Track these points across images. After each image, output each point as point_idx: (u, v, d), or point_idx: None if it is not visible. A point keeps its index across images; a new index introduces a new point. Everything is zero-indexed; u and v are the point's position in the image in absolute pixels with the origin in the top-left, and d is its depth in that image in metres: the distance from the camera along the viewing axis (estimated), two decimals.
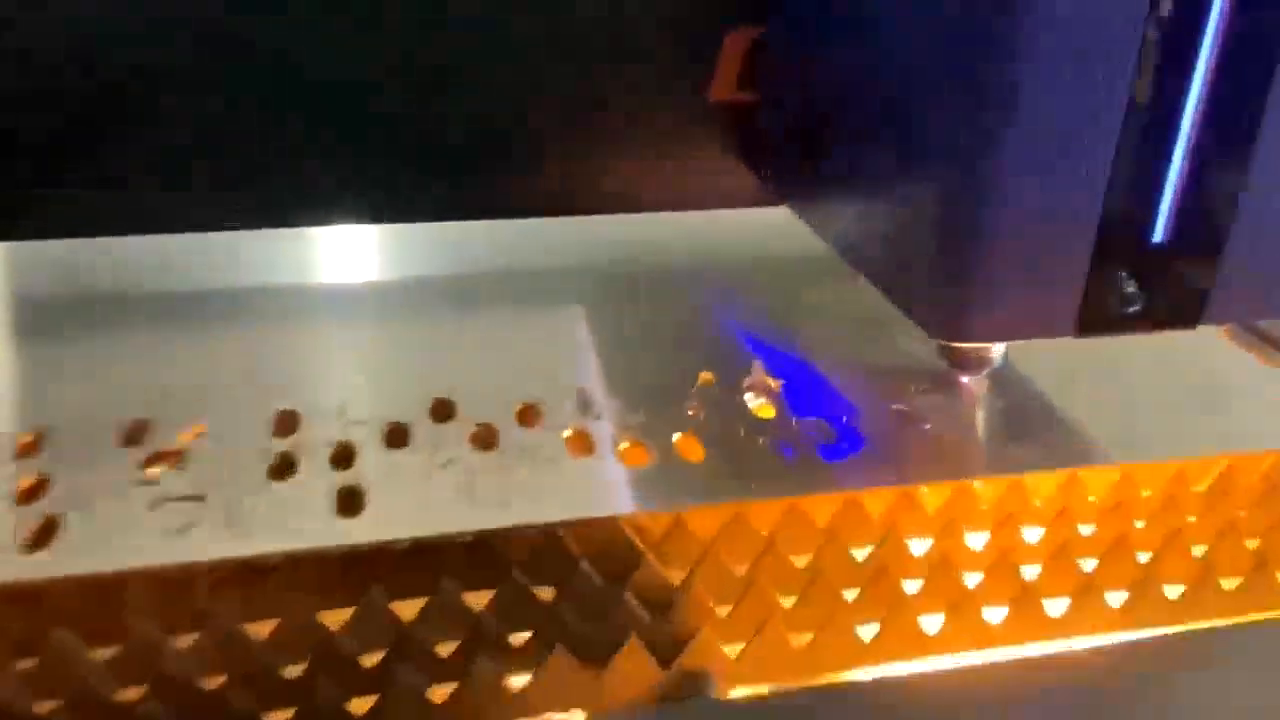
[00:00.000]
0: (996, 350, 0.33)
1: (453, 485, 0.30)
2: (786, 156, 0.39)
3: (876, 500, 0.31)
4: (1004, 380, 0.35)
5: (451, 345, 0.37)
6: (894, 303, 0.29)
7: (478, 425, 0.33)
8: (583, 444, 0.33)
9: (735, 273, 0.46)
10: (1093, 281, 0.26)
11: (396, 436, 0.32)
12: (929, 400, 0.34)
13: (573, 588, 0.29)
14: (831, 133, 0.33)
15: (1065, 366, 0.36)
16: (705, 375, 0.36)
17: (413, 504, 0.28)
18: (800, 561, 0.31)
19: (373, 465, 0.31)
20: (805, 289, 0.44)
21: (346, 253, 0.43)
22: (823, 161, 0.34)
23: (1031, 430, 0.33)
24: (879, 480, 0.30)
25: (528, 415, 0.34)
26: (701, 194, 0.43)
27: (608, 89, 0.39)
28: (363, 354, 0.36)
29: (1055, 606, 0.31)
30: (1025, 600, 0.32)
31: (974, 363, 0.34)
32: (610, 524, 0.29)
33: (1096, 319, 0.26)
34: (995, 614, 0.32)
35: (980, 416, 0.33)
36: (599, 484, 0.30)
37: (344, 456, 0.31)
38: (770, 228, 0.43)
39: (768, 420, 0.32)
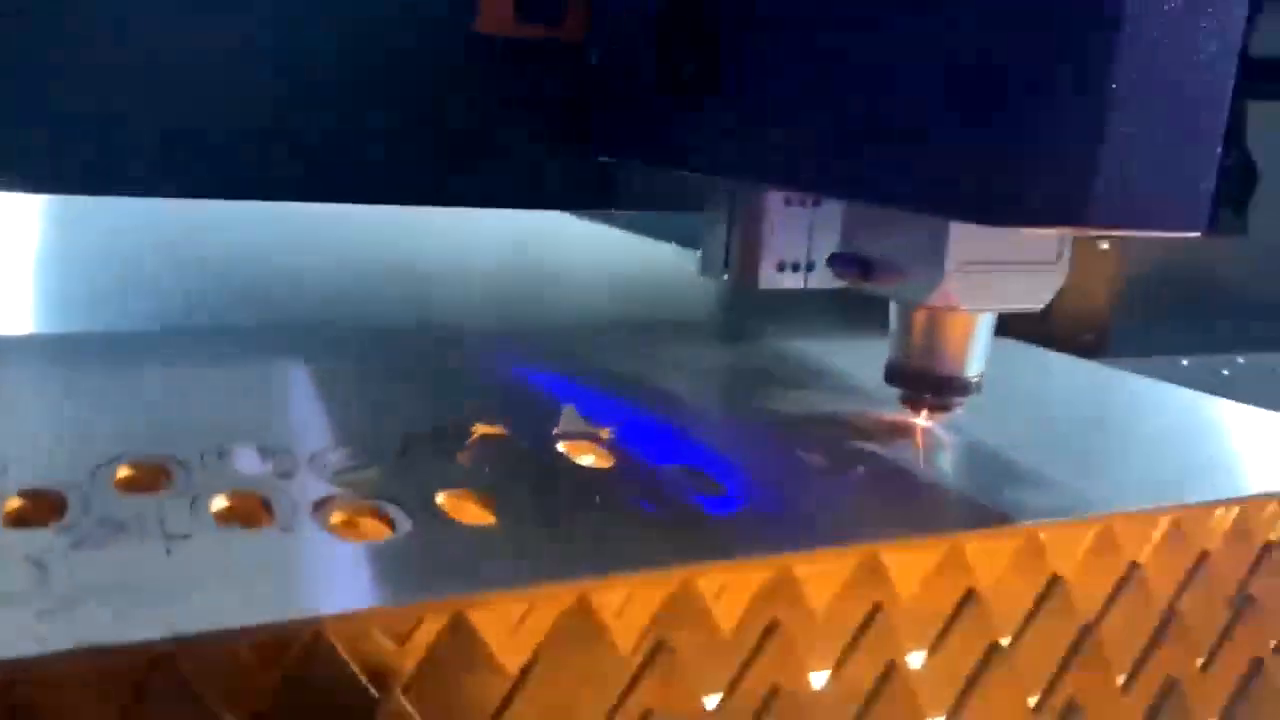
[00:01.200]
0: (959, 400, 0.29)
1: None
2: (650, 97, 0.30)
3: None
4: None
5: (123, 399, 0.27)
6: (917, 205, 0.23)
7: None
8: (250, 512, 0.20)
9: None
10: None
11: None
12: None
13: None
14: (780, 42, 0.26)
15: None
16: (483, 427, 0.26)
17: None
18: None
19: None
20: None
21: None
22: (754, 80, 0.27)
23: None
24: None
25: (145, 478, 0.21)
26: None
27: None
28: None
29: None
30: None
31: (939, 406, 0.28)
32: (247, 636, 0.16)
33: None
34: None
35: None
36: (265, 570, 0.18)
37: None
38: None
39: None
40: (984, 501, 0.25)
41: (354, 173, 0.32)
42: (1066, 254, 0.27)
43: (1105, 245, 0.43)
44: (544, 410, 0.28)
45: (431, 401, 0.28)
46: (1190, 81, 0.20)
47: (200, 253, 0.46)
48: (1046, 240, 0.27)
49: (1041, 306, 0.27)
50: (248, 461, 0.22)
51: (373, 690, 0.17)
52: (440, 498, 0.21)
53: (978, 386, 0.28)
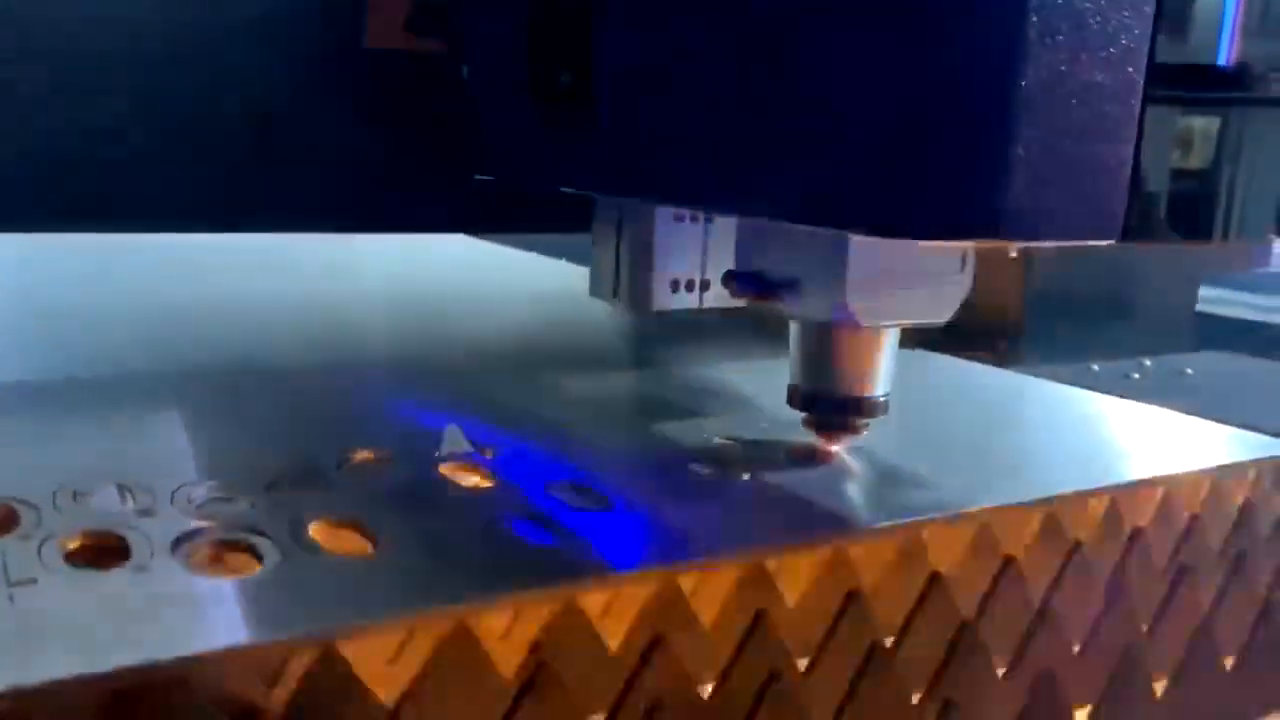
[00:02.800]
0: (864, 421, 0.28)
1: None
2: (524, 111, 0.29)
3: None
4: None
5: None
6: (820, 220, 0.22)
7: None
8: (105, 553, 0.19)
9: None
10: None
11: None
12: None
13: None
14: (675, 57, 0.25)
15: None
16: (362, 453, 0.26)
17: None
18: None
19: None
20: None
21: None
22: (646, 95, 0.26)
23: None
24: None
25: None
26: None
27: None
28: None
29: None
30: None
31: (844, 428, 0.27)
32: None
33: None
34: None
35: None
36: (116, 613, 0.17)
37: None
38: None
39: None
40: (867, 504, 0.25)
41: (233, 199, 0.31)
42: (970, 265, 0.26)
43: (1014, 253, 0.44)
44: (425, 435, 0.27)
45: (305, 432, 0.27)
46: (1099, 90, 0.20)
47: (53, 289, 0.44)
48: (950, 253, 0.26)
49: (946, 320, 0.27)
50: (105, 500, 0.21)
51: None
52: (313, 528, 0.21)
53: (884, 406, 0.27)
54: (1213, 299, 0.55)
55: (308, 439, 0.27)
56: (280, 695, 0.18)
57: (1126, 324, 0.46)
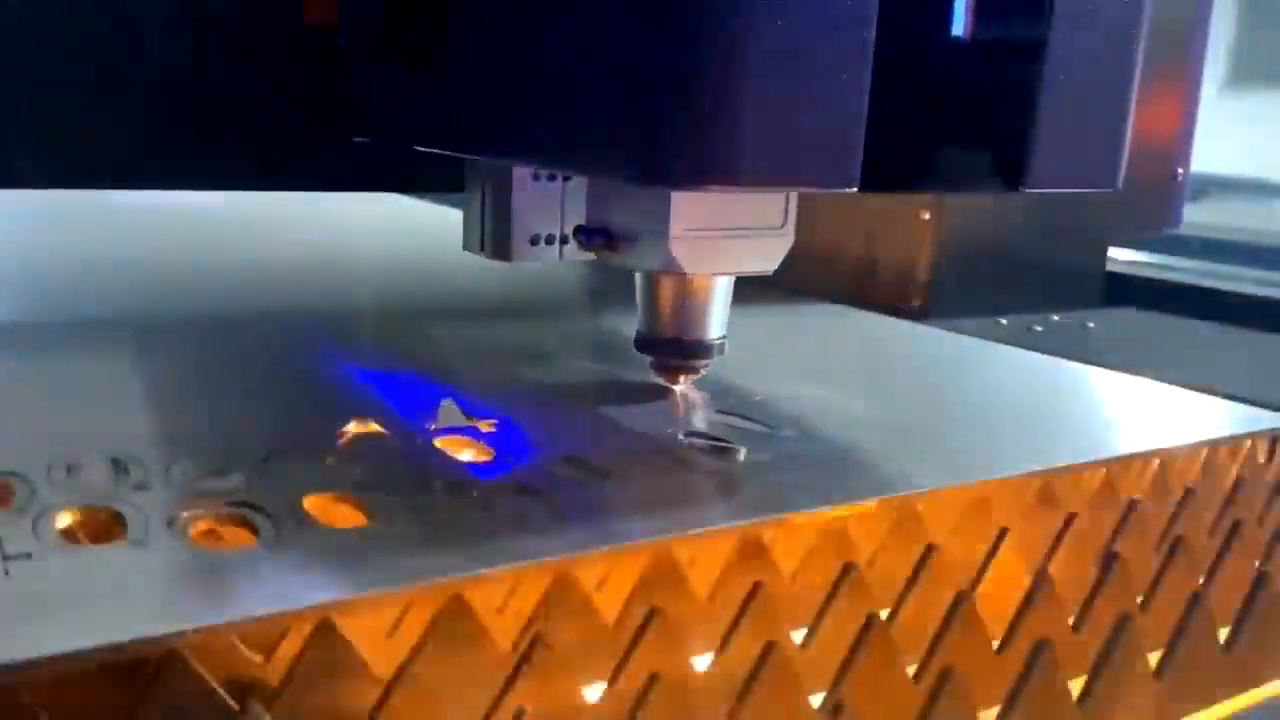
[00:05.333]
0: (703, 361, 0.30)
1: None
2: (389, 74, 0.30)
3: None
4: None
5: None
6: (597, 172, 0.25)
7: None
8: (101, 528, 0.19)
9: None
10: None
11: None
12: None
13: None
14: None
15: None
16: (359, 425, 0.26)
17: None
18: None
19: None
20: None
21: None
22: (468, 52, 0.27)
23: None
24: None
25: None
26: None
27: None
28: None
29: None
30: None
31: (684, 369, 0.30)
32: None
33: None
34: None
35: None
36: (114, 586, 0.17)
37: None
38: None
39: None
40: (867, 472, 0.25)
41: (170, 159, 0.32)
42: (791, 220, 0.28)
43: (926, 215, 0.44)
44: (420, 407, 0.27)
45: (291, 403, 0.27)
46: (831, 39, 0.20)
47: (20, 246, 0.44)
48: (772, 206, 0.28)
49: (771, 270, 0.28)
50: (99, 475, 0.21)
51: (235, 706, 0.17)
52: (308, 502, 0.21)
53: (720, 349, 0.29)
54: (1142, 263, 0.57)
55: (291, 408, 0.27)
56: (277, 668, 0.18)
57: (1035, 283, 0.48)
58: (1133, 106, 0.24)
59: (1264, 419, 0.32)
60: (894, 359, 0.39)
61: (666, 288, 0.28)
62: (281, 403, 0.27)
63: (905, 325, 0.43)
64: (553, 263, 0.31)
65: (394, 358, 0.32)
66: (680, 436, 0.26)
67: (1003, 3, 0.22)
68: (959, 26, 0.22)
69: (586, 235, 0.29)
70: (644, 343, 0.29)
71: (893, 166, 0.22)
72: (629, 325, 0.30)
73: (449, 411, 0.27)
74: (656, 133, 0.20)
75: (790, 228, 0.28)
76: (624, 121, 0.21)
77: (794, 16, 0.19)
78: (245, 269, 0.45)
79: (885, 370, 0.36)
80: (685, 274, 0.27)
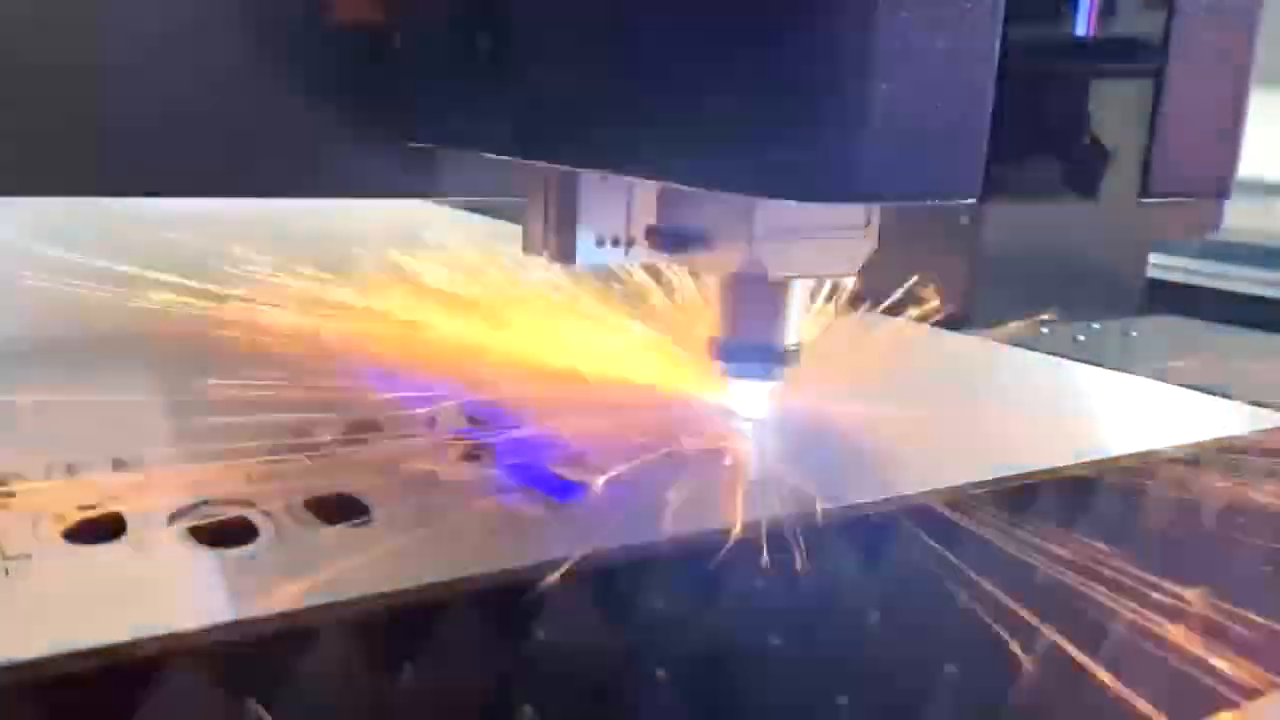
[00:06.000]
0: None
1: None
2: (454, 78, 0.29)
3: None
4: None
5: None
6: (728, 185, 0.23)
7: None
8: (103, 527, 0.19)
9: None
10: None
11: None
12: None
13: None
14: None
15: None
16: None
17: None
18: None
19: None
20: None
21: None
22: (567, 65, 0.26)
23: None
24: None
25: None
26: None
27: None
28: None
29: None
30: None
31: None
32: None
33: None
34: None
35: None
36: (115, 586, 0.17)
37: None
38: None
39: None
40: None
41: (189, 164, 0.31)
42: (875, 220, 0.27)
43: (965, 219, 0.44)
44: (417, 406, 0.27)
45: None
46: (955, 55, 0.20)
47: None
48: (856, 206, 0.27)
49: (853, 273, 0.28)
50: (99, 475, 0.21)
51: (235, 706, 0.17)
52: (308, 502, 0.21)
53: (795, 356, 0.28)
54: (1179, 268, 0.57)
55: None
56: (276, 665, 0.18)
57: (1075, 288, 0.47)
58: (1247, 110, 0.24)
59: None
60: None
61: (747, 292, 0.28)
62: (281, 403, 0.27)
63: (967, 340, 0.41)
64: (617, 263, 0.31)
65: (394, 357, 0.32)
66: None
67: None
68: (1081, 25, 0.22)
69: (660, 237, 0.28)
70: (717, 349, 0.29)
71: (1007, 174, 0.22)
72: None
73: (449, 411, 0.27)
74: (808, 150, 0.20)
75: (874, 229, 0.27)
76: (769, 138, 0.21)
77: (931, 32, 0.20)
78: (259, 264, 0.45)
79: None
80: (767, 276, 0.27)
